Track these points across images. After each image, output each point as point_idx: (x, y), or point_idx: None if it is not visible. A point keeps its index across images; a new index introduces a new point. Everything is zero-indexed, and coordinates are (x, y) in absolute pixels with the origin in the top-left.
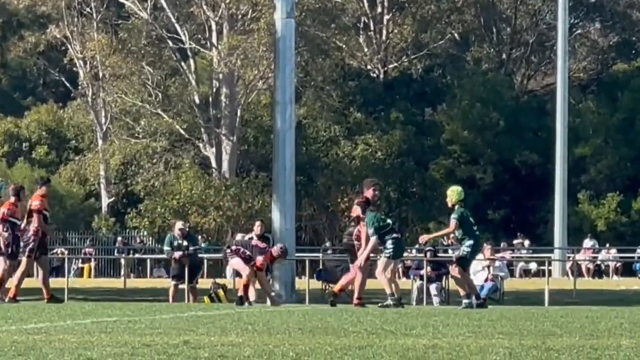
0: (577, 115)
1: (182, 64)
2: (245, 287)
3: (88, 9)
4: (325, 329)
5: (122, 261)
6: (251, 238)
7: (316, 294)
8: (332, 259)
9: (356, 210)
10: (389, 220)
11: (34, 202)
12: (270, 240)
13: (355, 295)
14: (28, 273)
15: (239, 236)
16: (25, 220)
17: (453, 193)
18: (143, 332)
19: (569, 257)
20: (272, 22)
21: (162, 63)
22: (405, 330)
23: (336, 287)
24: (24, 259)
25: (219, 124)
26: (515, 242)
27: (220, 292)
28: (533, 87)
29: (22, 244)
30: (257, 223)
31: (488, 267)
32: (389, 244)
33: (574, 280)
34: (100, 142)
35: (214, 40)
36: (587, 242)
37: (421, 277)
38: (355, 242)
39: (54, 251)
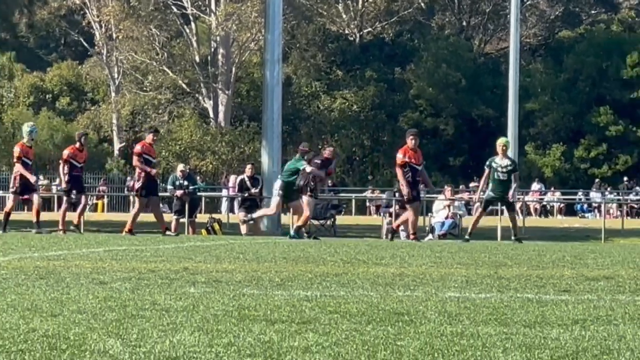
0: (527, 75)
1: (185, 27)
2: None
3: None
4: (307, 258)
5: (131, 198)
6: (243, 179)
7: None
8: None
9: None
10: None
11: (136, 146)
12: (260, 181)
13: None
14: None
15: (232, 177)
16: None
17: (508, 143)
18: (149, 260)
19: (518, 199)
20: None
21: (167, 26)
22: (375, 260)
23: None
24: (137, 198)
25: (216, 80)
26: (472, 185)
27: (216, 225)
28: (489, 51)
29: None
30: (248, 166)
31: (448, 206)
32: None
33: (523, 219)
34: (113, 94)
35: (213, 7)
36: (535, 186)
37: (390, 214)
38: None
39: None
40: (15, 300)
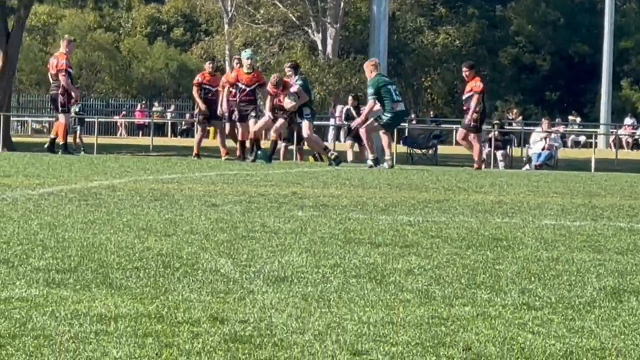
0: (622, 15)
1: None
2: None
3: None
4: (409, 185)
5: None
6: (349, 109)
7: (402, 157)
8: (415, 127)
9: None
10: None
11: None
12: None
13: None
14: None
15: (339, 107)
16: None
17: None
18: (259, 184)
19: (612, 132)
20: None
21: None
22: (475, 188)
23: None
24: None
25: (325, 14)
26: (569, 118)
27: None
28: None
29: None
30: (350, 97)
31: (545, 138)
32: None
33: (615, 151)
34: (226, 26)
35: None
36: (628, 120)
37: (489, 145)
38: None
39: (186, 116)
40: (130, 220)
